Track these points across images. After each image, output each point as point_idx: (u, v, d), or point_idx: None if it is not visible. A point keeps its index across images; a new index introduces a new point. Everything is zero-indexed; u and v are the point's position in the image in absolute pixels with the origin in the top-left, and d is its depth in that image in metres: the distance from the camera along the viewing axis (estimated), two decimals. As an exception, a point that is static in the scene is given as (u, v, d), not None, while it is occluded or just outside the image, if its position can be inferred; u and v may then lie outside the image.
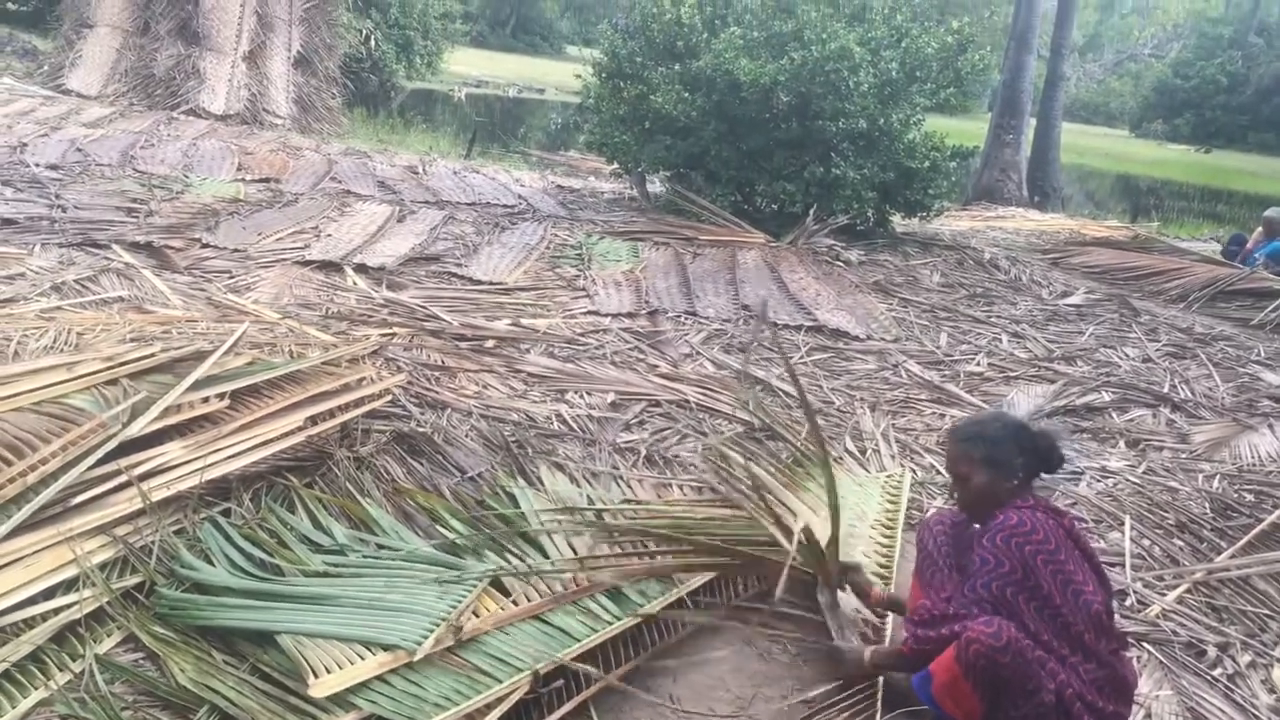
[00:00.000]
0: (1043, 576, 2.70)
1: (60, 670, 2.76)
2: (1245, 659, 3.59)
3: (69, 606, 2.95)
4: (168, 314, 5.53)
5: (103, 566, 3.14)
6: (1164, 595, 3.93)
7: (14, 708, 2.60)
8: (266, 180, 10.32)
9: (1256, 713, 3.30)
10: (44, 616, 2.90)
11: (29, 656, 2.78)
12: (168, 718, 2.65)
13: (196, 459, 3.61)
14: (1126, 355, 7.37)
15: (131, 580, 3.14)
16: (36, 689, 2.67)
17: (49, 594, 2.98)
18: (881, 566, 3.80)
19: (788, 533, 3.33)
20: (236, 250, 7.29)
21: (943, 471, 4.88)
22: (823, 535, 3.35)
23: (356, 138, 15.89)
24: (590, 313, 6.89)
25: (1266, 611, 3.90)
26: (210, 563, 3.23)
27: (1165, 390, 6.52)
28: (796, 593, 3.43)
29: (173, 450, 3.62)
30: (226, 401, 3.98)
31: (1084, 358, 7.16)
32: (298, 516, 3.59)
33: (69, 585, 3.03)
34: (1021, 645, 2.58)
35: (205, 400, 3.96)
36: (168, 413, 3.79)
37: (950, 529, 2.99)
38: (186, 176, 9.88)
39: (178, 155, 10.96)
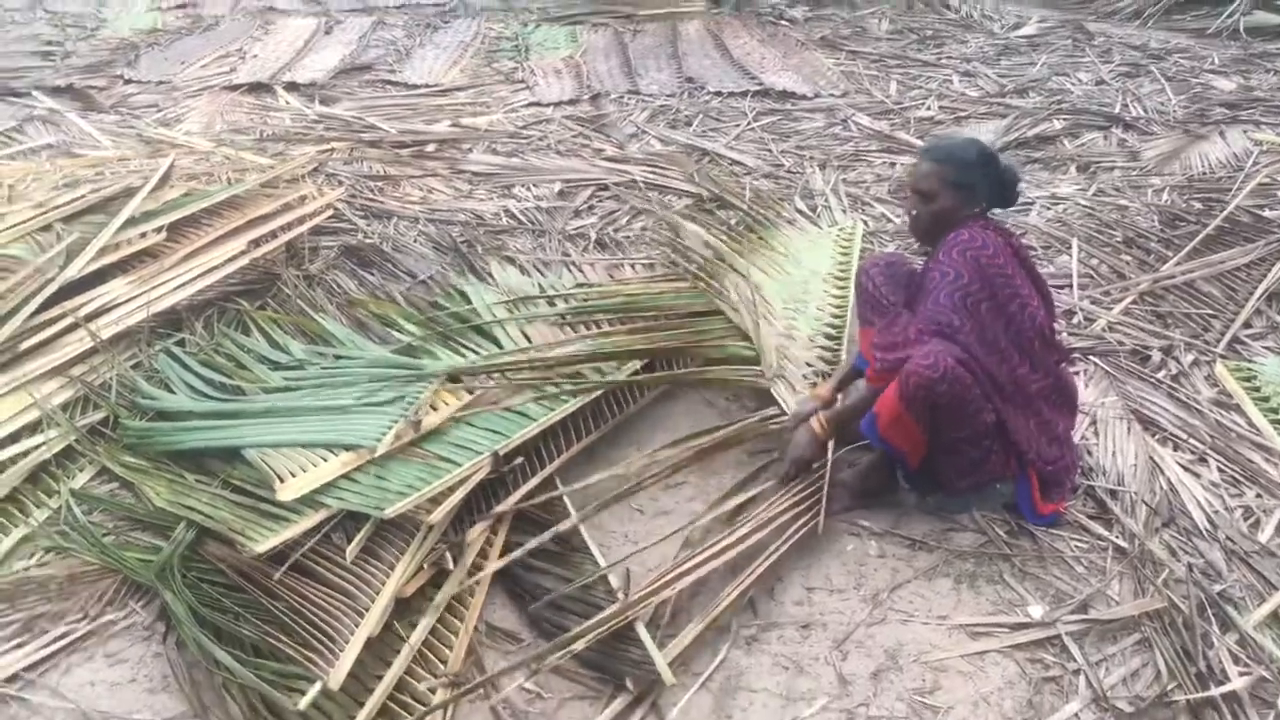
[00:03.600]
0: (997, 287, 2.75)
1: (38, 508, 2.85)
2: (1189, 359, 3.71)
3: (37, 448, 3.01)
4: (98, 155, 5.38)
5: (64, 407, 3.20)
6: (1110, 310, 4.02)
7: (-2, 547, 2.69)
8: (183, 6, 9.84)
9: (1199, 406, 3.43)
10: (13, 460, 2.96)
11: (6, 499, 2.86)
12: (149, 537, 2.75)
13: (141, 294, 3.61)
14: (1080, 81, 7.26)
15: (95, 416, 3.19)
16: (17, 527, 2.77)
17: (14, 438, 3.04)
18: (835, 318, 3.85)
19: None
20: (161, 82, 7.05)
21: (893, 219, 4.91)
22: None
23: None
24: (531, 104, 6.72)
25: (1209, 311, 3.99)
26: (170, 391, 3.28)
27: (1117, 111, 6.46)
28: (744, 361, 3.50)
29: (116, 288, 3.63)
30: (164, 235, 3.95)
31: (1036, 88, 7.05)
32: (253, 338, 3.61)
33: (33, 428, 3.09)
34: (958, 374, 2.64)
35: (143, 235, 3.93)
36: (105, 251, 3.76)
37: (886, 269, 3.01)
38: (100, 12, 9.41)
39: (87, -10, 10.42)
